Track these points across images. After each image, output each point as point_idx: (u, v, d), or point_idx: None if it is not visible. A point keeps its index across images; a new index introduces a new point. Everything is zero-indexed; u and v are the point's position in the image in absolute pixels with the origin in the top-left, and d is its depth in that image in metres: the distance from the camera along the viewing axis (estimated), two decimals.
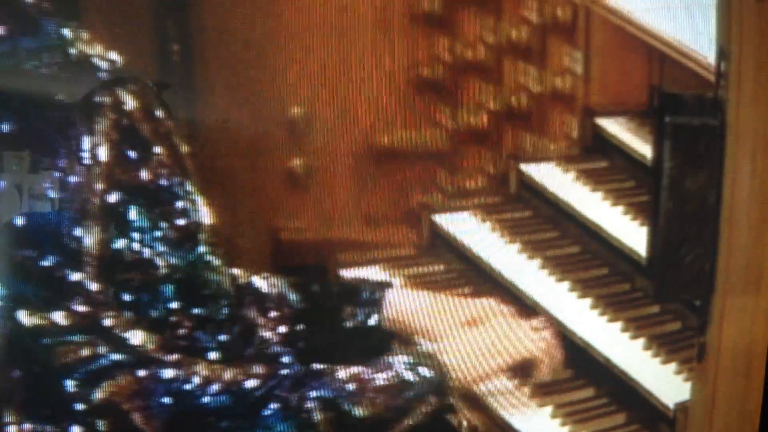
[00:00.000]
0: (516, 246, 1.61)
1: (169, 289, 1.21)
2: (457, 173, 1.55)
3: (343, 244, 1.42)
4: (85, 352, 1.15)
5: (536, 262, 1.62)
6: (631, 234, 1.65)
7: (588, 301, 1.63)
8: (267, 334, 1.33)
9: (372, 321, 1.35)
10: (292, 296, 1.33)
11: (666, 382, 1.59)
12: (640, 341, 1.62)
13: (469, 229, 1.57)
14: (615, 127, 1.68)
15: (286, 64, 1.33)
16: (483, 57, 1.54)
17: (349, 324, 1.34)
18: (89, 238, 1.16)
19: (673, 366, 1.61)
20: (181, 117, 1.23)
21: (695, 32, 1.70)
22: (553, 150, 1.65)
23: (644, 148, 1.66)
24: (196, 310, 1.23)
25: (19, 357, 1.18)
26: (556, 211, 1.65)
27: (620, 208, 1.68)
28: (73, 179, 1.15)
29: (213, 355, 1.23)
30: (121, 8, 1.23)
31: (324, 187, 1.41)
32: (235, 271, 1.31)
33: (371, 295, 1.34)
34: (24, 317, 1.15)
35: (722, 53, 1.62)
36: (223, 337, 1.25)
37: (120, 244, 1.18)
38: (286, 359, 1.32)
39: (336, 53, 1.39)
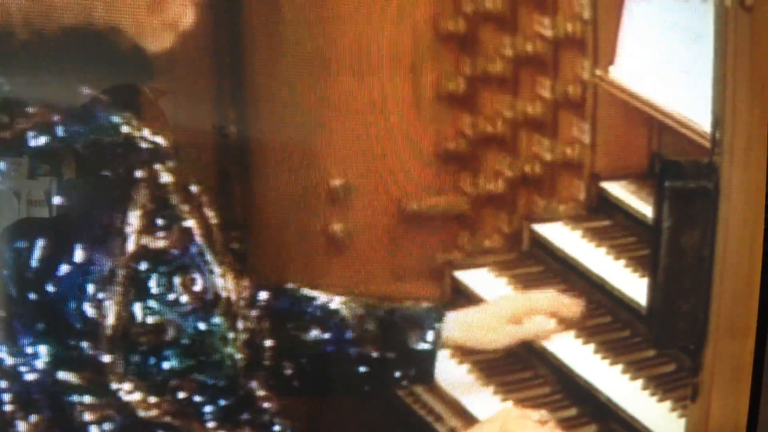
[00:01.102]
0: None
1: (178, 354, 1.26)
2: (476, 233, 1.65)
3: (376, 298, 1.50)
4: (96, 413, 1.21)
5: None
6: (632, 285, 1.77)
7: (592, 347, 1.75)
8: (266, 404, 1.36)
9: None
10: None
11: (662, 419, 1.72)
12: (639, 382, 1.74)
13: (487, 283, 1.69)
14: (618, 189, 1.80)
15: (330, 140, 1.42)
16: (501, 130, 1.65)
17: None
18: (112, 303, 1.21)
19: (668, 404, 1.73)
20: (235, 191, 1.35)
21: (693, 104, 1.84)
22: (562, 211, 1.76)
23: (645, 208, 1.78)
24: (201, 377, 1.27)
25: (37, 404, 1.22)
26: (565, 265, 1.76)
27: (622, 262, 1.80)
28: (106, 245, 1.21)
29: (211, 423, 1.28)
30: (175, 95, 1.30)
31: (360, 248, 1.49)
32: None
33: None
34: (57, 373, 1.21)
35: (717, 122, 1.76)
36: (223, 403, 1.29)
37: (139, 308, 1.24)
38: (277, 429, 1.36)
39: (372, 130, 1.48)
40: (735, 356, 1.88)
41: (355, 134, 1.44)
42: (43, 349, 1.22)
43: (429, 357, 1.48)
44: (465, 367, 1.67)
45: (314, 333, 1.39)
